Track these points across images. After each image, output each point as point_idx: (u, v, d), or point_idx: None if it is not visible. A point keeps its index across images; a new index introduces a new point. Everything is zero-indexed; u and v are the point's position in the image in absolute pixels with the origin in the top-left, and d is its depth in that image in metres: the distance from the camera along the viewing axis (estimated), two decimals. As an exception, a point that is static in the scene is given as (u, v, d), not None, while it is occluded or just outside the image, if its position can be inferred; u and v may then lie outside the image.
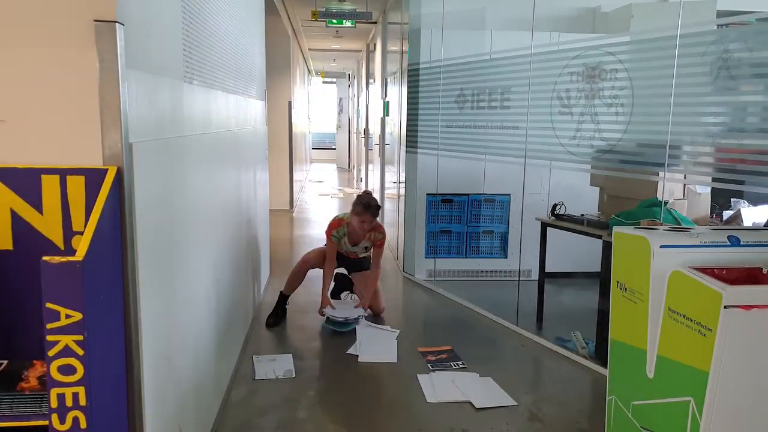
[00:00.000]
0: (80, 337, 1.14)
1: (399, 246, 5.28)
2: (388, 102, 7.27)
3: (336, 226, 3.80)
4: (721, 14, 3.67)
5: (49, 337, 1.13)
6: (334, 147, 16.99)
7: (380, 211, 3.72)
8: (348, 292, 4.12)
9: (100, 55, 1.34)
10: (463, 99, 4.35)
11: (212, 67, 2.39)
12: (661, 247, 1.94)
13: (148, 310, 1.54)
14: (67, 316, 1.13)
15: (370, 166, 9.51)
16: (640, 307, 2.02)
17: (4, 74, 1.34)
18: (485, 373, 3.05)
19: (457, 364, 3.15)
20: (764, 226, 3.00)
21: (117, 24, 1.34)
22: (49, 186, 1.34)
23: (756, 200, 3.67)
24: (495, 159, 4.12)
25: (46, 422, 1.17)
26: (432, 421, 2.59)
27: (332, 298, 4.10)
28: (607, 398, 2.24)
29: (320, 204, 9.03)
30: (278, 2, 6.27)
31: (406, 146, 4.95)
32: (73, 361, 1.14)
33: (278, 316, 3.76)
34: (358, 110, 12.99)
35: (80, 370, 1.14)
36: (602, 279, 3.24)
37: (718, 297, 1.66)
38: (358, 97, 13.17)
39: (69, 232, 1.37)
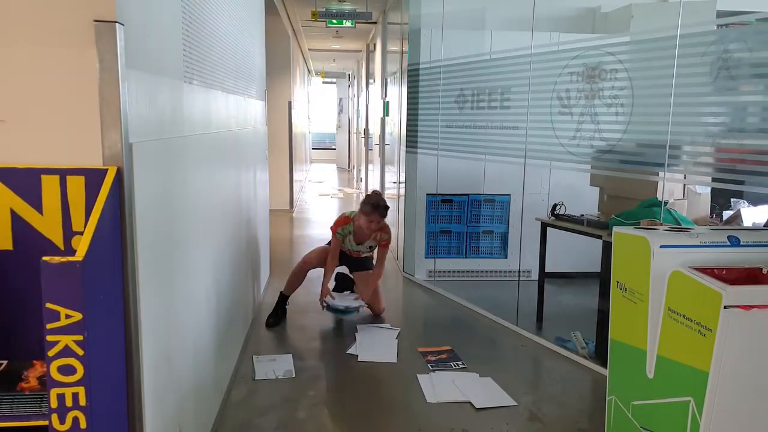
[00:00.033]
0: (80, 338, 1.14)
1: (399, 246, 5.28)
2: (388, 102, 7.27)
3: (342, 223, 3.80)
4: (721, 14, 3.68)
5: (49, 337, 1.13)
6: (334, 147, 17.00)
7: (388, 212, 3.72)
8: (349, 292, 4.11)
9: (100, 55, 1.34)
10: (463, 99, 4.35)
11: (212, 67, 2.39)
12: (661, 247, 1.94)
13: (148, 310, 1.54)
14: (67, 316, 1.13)
15: (370, 166, 9.51)
16: (640, 307, 2.02)
17: (4, 74, 1.34)
18: (485, 373, 3.05)
19: (457, 364, 3.15)
20: (764, 226, 3.00)
21: (117, 24, 1.34)
22: (49, 186, 1.34)
23: (756, 200, 3.67)
24: (495, 159, 4.12)
25: (46, 422, 1.17)
26: (432, 421, 2.59)
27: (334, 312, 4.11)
28: (607, 398, 2.24)
29: (320, 204, 9.03)
30: (278, 2, 6.27)
31: (406, 146, 4.95)
32: (73, 361, 1.14)
33: (278, 316, 3.76)
34: (358, 110, 13.00)
35: (80, 371, 1.14)
36: (602, 279, 3.23)
37: (718, 297, 1.66)
38: (358, 97, 13.18)
39: (69, 232, 1.37)
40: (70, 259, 1.12)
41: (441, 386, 2.89)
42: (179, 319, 1.89)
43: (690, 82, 2.69)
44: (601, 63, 3.21)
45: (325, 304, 3.72)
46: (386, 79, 7.50)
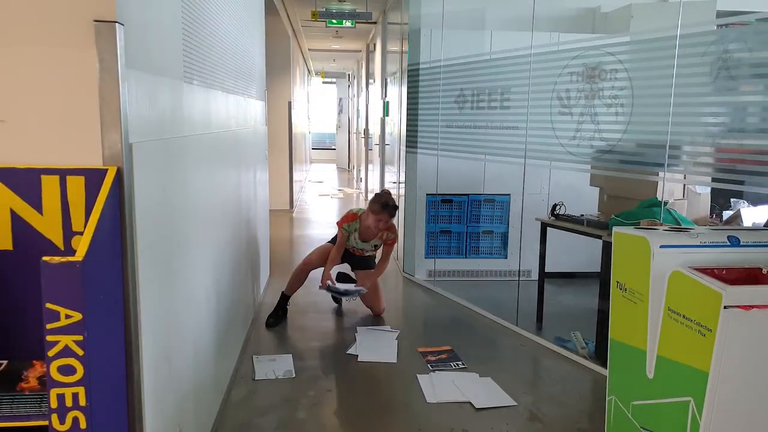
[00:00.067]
0: (80, 338, 1.14)
1: (399, 246, 5.28)
2: (387, 102, 7.27)
3: (349, 219, 3.80)
4: (720, 14, 3.68)
5: (49, 338, 1.13)
6: (334, 147, 17.00)
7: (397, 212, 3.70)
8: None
9: (99, 55, 1.33)
10: (462, 99, 4.35)
11: (212, 67, 2.39)
12: (661, 247, 1.94)
13: (148, 311, 1.54)
14: (67, 317, 1.13)
15: (370, 167, 9.51)
16: (639, 307, 2.02)
17: (4, 74, 1.34)
18: (485, 373, 3.05)
19: (457, 365, 3.15)
20: (764, 226, 3.00)
21: (117, 24, 1.34)
22: (49, 186, 1.34)
23: (756, 200, 3.67)
24: (495, 159, 4.12)
25: (46, 422, 1.17)
26: (432, 421, 2.59)
27: (334, 301, 4.11)
28: (606, 398, 2.24)
29: (320, 204, 9.03)
30: (278, 2, 6.27)
31: (406, 146, 4.95)
32: (72, 361, 1.14)
33: (278, 316, 3.76)
34: (358, 110, 13.00)
35: (80, 371, 1.14)
36: (602, 279, 3.23)
37: (717, 297, 1.66)
38: (357, 97, 13.18)
39: (69, 233, 1.37)
40: (70, 259, 1.12)
41: (441, 386, 2.89)
42: (179, 319, 1.89)
43: (690, 82, 2.69)
44: (601, 63, 3.21)
45: (327, 284, 3.70)
46: (386, 79, 7.50)
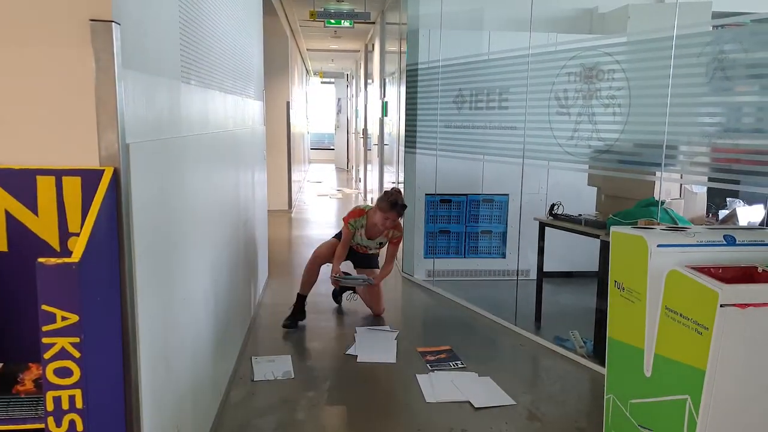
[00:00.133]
0: (77, 340, 1.13)
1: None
2: (386, 102, 7.27)
3: (356, 215, 3.78)
4: (716, 15, 3.69)
5: (45, 340, 1.12)
6: (332, 147, 16.99)
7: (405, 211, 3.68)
8: (351, 291, 4.10)
9: (96, 54, 1.33)
10: (461, 99, 4.35)
11: (210, 67, 2.39)
12: (658, 246, 1.94)
13: (146, 312, 1.54)
14: (63, 318, 1.12)
15: (369, 167, 9.51)
16: (637, 306, 2.02)
17: None
18: (484, 372, 3.05)
19: (456, 364, 3.15)
20: (759, 225, 3.01)
21: (113, 23, 1.34)
22: (45, 187, 1.34)
23: (751, 200, 3.68)
24: (493, 159, 4.12)
25: (42, 425, 1.16)
26: (431, 421, 2.59)
27: (335, 301, 4.11)
28: (605, 397, 2.25)
29: (319, 204, 9.03)
30: (276, 2, 6.27)
31: (405, 146, 4.95)
32: (69, 363, 1.13)
33: (295, 318, 3.70)
34: (356, 110, 12.99)
35: (77, 373, 1.14)
36: (600, 278, 3.24)
37: (714, 296, 1.66)
38: (356, 97, 13.18)
39: (65, 234, 1.36)
40: (67, 260, 1.12)
41: (440, 386, 2.89)
42: (177, 320, 1.89)
43: (686, 82, 2.69)
44: (598, 63, 3.22)
45: (336, 276, 3.70)
46: (385, 80, 7.51)
